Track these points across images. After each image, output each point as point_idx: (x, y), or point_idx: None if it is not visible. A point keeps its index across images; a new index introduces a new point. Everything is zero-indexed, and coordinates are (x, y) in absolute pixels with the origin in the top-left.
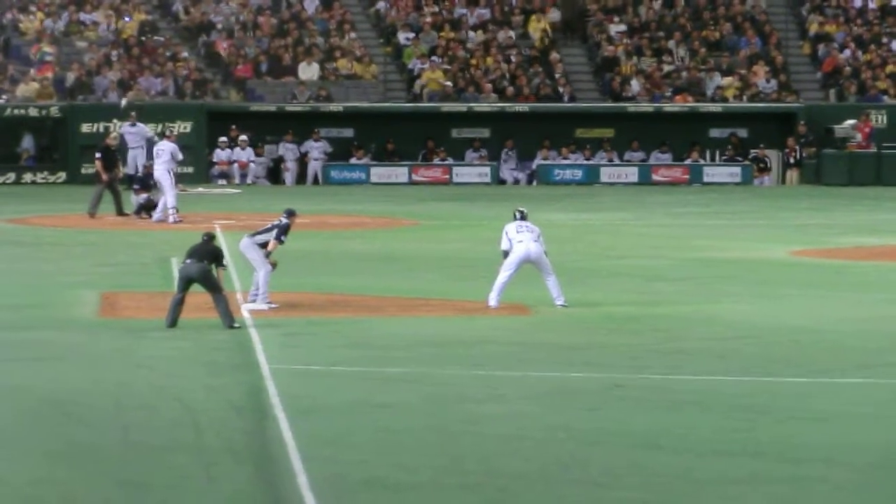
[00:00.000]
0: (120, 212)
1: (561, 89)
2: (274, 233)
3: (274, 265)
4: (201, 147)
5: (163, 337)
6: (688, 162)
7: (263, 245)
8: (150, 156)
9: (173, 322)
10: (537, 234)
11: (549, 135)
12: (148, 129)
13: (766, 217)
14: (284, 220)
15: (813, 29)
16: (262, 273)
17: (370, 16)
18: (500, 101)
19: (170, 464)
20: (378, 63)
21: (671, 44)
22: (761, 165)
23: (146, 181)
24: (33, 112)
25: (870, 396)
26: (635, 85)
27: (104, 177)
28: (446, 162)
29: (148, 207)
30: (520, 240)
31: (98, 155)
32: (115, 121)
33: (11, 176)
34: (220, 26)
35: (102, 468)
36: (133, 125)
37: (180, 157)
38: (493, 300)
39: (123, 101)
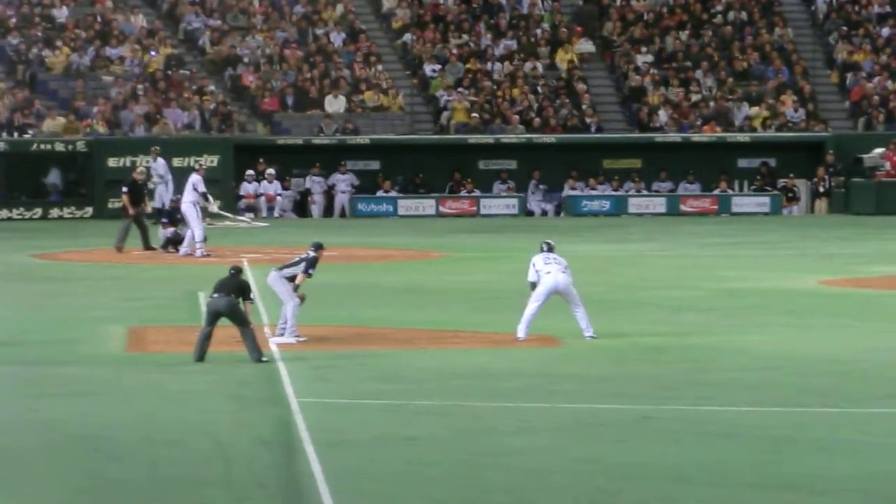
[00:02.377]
0: (147, 246)
1: (588, 120)
2: (302, 266)
3: (302, 298)
4: (228, 180)
5: (191, 371)
6: (716, 192)
7: (291, 279)
8: (177, 190)
9: (201, 356)
10: (564, 265)
11: (576, 166)
12: (163, 166)
13: (794, 247)
14: (312, 254)
15: (841, 58)
16: (290, 306)
17: (396, 48)
18: (526, 132)
19: (199, 498)
20: (405, 95)
21: (698, 73)
22: (790, 195)
23: (173, 215)
24: (59, 147)
25: None
26: (663, 115)
27: (130, 211)
28: (473, 194)
29: (175, 241)
30: (547, 271)
31: (125, 189)
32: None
33: (38, 211)
34: (246, 60)
35: (132, 503)
36: (154, 160)
37: (202, 188)
38: (521, 332)
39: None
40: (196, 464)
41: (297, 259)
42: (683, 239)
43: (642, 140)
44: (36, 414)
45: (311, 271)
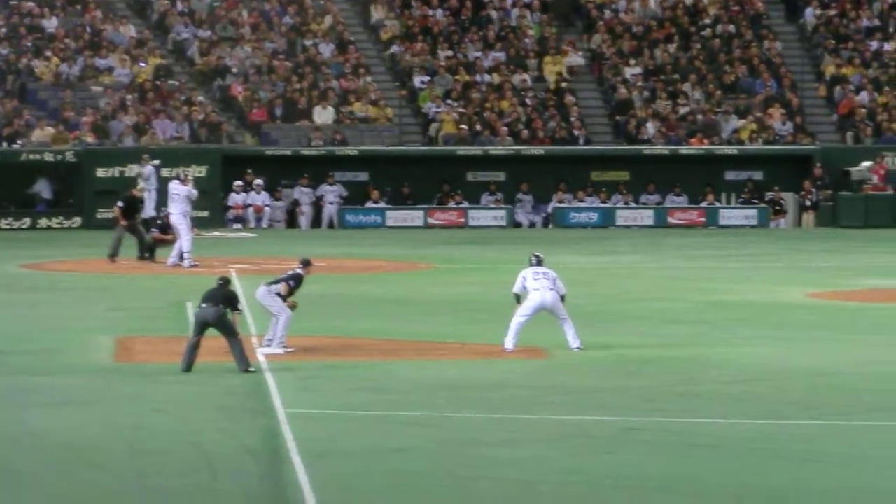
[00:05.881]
0: (142, 255)
1: (576, 132)
2: (286, 280)
3: (293, 307)
4: (216, 191)
5: (178, 381)
6: (704, 204)
7: (280, 294)
8: (161, 201)
9: (189, 366)
10: (553, 279)
11: (564, 178)
12: (151, 173)
13: (782, 259)
14: (299, 271)
15: (829, 71)
16: (282, 319)
17: (385, 59)
18: (515, 144)
19: None
20: (393, 106)
21: (686, 86)
22: (777, 208)
23: (165, 229)
24: (48, 157)
25: (886, 439)
26: (650, 127)
27: (123, 222)
28: (462, 205)
29: (151, 247)
30: (536, 287)
31: (120, 204)
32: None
33: (27, 221)
34: (234, 70)
35: None
36: (144, 166)
37: (195, 194)
38: (508, 343)
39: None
40: (183, 474)
41: (285, 276)
42: (671, 251)
43: (630, 152)
44: (23, 423)
45: (291, 283)
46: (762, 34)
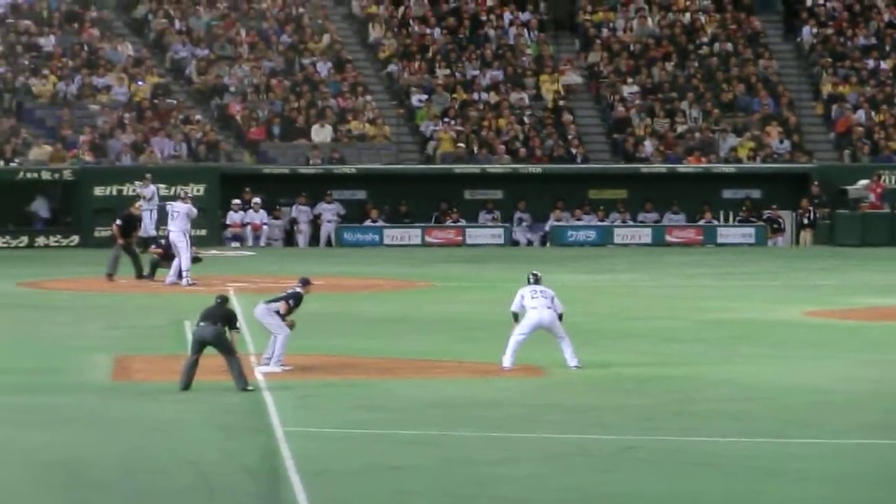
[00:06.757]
0: (139, 275)
1: (574, 150)
2: (285, 299)
3: (292, 325)
4: (214, 209)
5: (176, 400)
6: (701, 223)
7: (279, 312)
8: (161, 220)
9: (187, 385)
10: (551, 297)
11: (562, 196)
12: (152, 193)
13: (779, 278)
14: (298, 289)
15: (826, 90)
16: (280, 337)
17: (383, 78)
18: (512, 162)
19: None
20: (391, 125)
21: (684, 104)
22: (775, 226)
23: (168, 249)
24: (46, 175)
25: (882, 457)
26: (648, 146)
27: (120, 240)
28: (459, 224)
29: (154, 266)
30: (533, 306)
31: (118, 222)
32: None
33: (24, 239)
34: (233, 89)
35: None
36: (146, 187)
37: (195, 212)
38: (506, 361)
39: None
40: (180, 493)
41: (285, 294)
42: (669, 269)
43: (628, 170)
44: (20, 442)
45: (291, 302)
46: (760, 52)
